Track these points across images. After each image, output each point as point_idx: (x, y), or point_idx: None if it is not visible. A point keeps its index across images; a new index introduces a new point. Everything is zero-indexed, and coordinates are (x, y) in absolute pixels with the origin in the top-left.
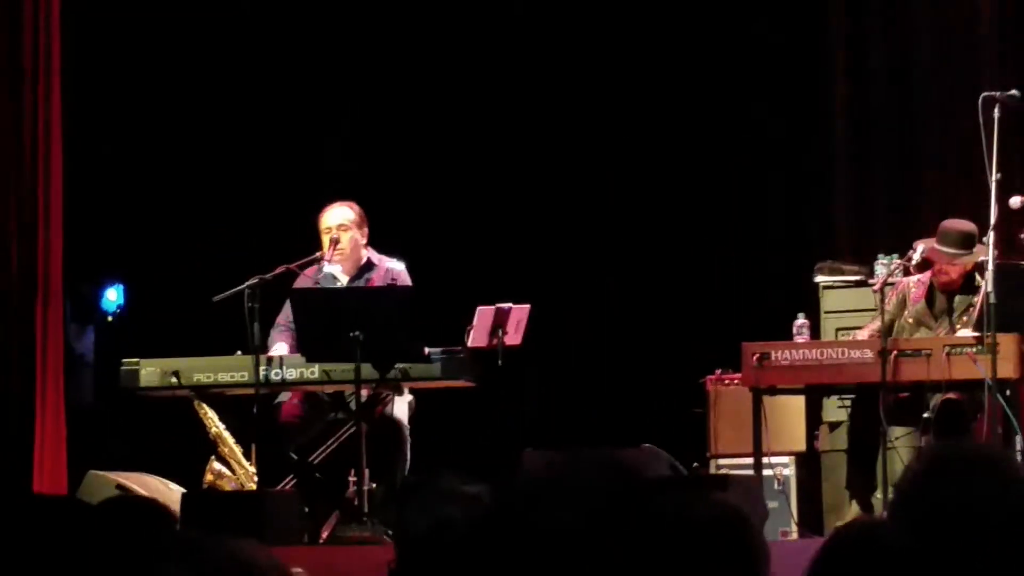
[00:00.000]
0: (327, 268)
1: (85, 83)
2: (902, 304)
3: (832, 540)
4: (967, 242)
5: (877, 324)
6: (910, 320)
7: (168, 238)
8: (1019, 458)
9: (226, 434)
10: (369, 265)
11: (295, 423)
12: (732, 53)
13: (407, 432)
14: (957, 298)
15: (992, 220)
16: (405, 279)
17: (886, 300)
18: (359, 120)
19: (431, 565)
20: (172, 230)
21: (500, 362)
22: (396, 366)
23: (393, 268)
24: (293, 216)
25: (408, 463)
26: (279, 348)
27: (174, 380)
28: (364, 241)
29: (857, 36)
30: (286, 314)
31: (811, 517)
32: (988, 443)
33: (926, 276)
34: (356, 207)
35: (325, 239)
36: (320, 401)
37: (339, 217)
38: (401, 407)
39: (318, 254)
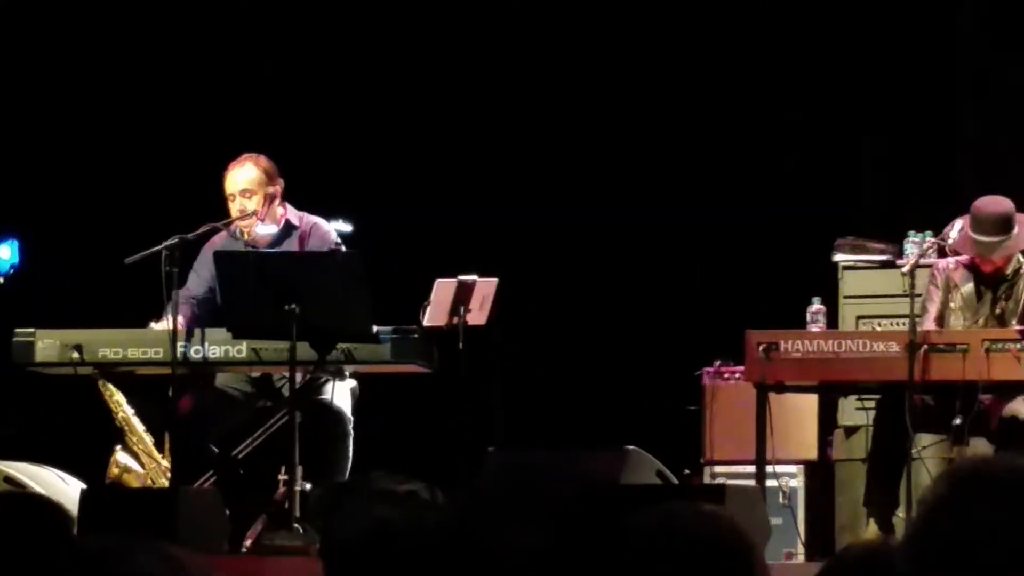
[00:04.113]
0: (260, 229)
1: None
2: (947, 289)
3: (830, 566)
4: (1006, 225)
5: (935, 311)
6: (953, 306)
7: (74, 186)
8: None
9: (135, 420)
10: (289, 227)
11: (206, 409)
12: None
13: (349, 424)
14: (1003, 285)
15: None
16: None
17: (935, 283)
18: (291, 55)
19: None
20: (79, 176)
21: (461, 344)
22: (339, 346)
23: (322, 226)
24: (222, 166)
25: (350, 461)
26: (159, 326)
27: (75, 355)
28: (278, 199)
29: None
30: (192, 286)
31: (821, 537)
32: None
33: (965, 257)
34: (263, 160)
35: (231, 207)
36: (224, 395)
37: (241, 180)
38: (342, 394)
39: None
